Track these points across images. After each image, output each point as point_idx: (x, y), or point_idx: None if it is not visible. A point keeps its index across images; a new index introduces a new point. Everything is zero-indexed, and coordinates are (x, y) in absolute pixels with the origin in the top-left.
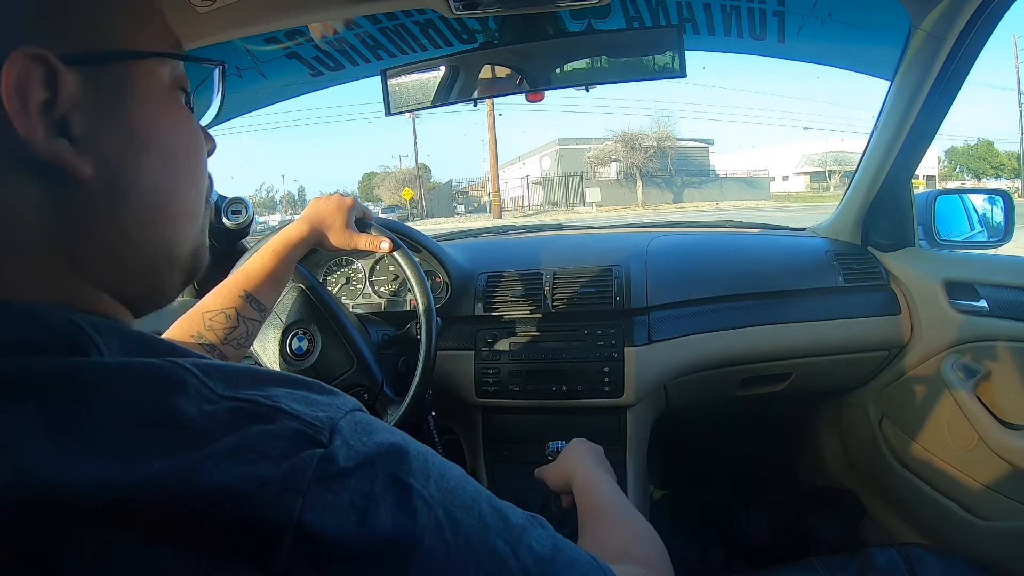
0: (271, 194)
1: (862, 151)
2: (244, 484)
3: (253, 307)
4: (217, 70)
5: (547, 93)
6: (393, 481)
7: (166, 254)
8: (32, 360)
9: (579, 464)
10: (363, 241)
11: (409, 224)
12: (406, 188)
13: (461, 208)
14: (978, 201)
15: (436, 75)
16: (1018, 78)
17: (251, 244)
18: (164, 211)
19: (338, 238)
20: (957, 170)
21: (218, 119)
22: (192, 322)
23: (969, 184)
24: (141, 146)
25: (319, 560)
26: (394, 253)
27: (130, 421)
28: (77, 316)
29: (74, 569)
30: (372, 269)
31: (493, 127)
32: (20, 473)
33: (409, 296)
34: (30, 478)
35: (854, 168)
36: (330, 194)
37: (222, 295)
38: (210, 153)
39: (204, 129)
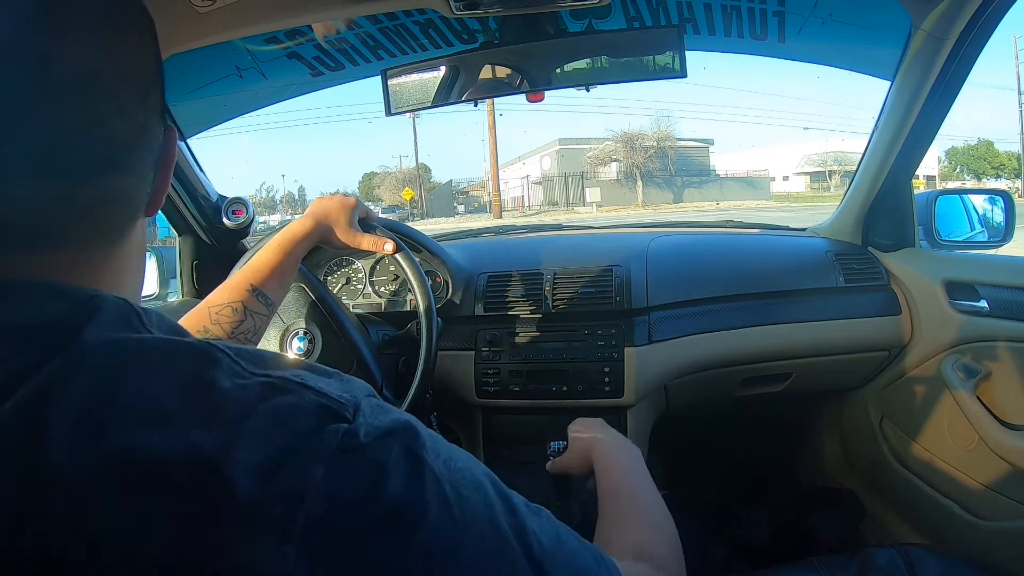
0: (271, 194)
1: (862, 151)
2: (276, 456)
3: (260, 301)
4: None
5: (547, 93)
6: (407, 453)
7: None
8: (95, 331)
9: (597, 442)
10: (366, 241)
11: (409, 224)
12: (406, 188)
13: (461, 208)
14: (978, 201)
15: (436, 75)
16: (1018, 78)
17: (251, 244)
18: None
19: (342, 236)
20: (957, 170)
21: (206, 125)
22: (199, 316)
23: (969, 184)
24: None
25: (332, 527)
26: (396, 255)
27: (171, 393)
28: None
29: (109, 537)
30: (372, 269)
31: (493, 127)
32: (73, 442)
33: (409, 296)
34: (81, 449)
35: (854, 168)
36: (331, 194)
37: (228, 289)
38: None
39: None
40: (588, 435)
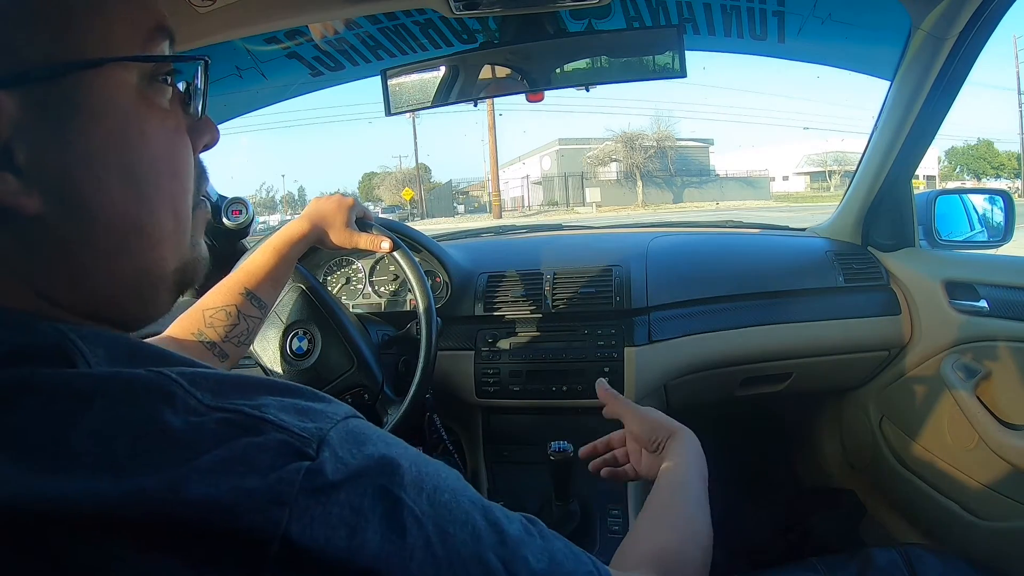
0: (271, 194)
1: (862, 151)
2: (230, 496)
3: (254, 304)
4: (200, 65)
5: (547, 93)
6: (383, 495)
7: (147, 280)
8: (17, 370)
9: (681, 431)
10: (363, 240)
11: (409, 224)
12: (406, 188)
13: (461, 208)
14: (978, 201)
15: (436, 75)
16: (1018, 78)
17: (251, 244)
18: (138, 236)
19: (339, 236)
20: (957, 170)
21: (216, 119)
22: (193, 319)
23: (969, 184)
24: (99, 169)
25: (305, 572)
26: (394, 253)
27: (116, 435)
28: (62, 324)
29: None
30: (372, 269)
31: (493, 127)
32: (4, 487)
33: (409, 296)
34: (15, 492)
35: (854, 168)
36: (330, 194)
37: (222, 292)
38: (208, 147)
39: (199, 121)
40: (673, 424)
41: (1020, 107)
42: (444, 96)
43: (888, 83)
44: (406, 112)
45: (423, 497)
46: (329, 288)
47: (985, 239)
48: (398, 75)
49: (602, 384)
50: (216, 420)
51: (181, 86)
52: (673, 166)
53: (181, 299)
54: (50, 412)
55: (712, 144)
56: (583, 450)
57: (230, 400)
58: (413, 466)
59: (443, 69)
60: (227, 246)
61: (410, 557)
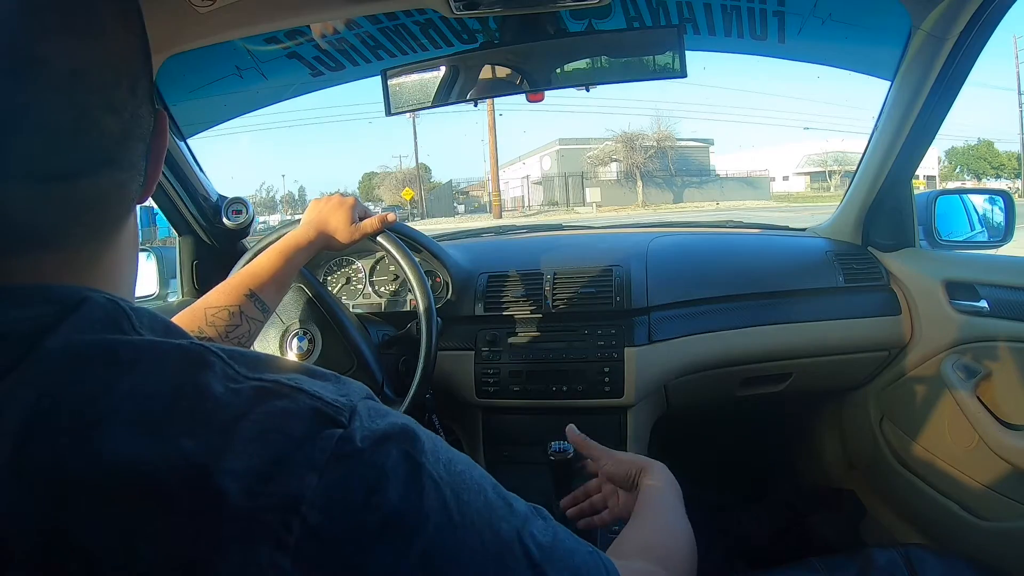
0: (271, 194)
1: (862, 151)
2: (265, 462)
3: (257, 306)
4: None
5: (547, 93)
6: (405, 458)
7: None
8: (73, 335)
9: (651, 464)
10: (367, 224)
11: (409, 224)
12: (406, 188)
13: (461, 208)
14: (978, 201)
15: (436, 75)
16: (1018, 78)
17: (251, 244)
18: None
19: (344, 236)
20: (957, 170)
21: (206, 126)
22: (193, 317)
23: (969, 184)
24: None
25: (329, 535)
26: (391, 249)
27: (160, 398)
28: (112, 295)
29: (99, 547)
30: (372, 269)
31: (493, 127)
32: (54, 450)
33: (409, 296)
34: (65, 456)
35: (854, 168)
36: (330, 194)
37: (226, 292)
38: None
39: None
40: (645, 460)
41: (1020, 107)
42: (444, 96)
43: (888, 83)
44: (406, 112)
45: (440, 464)
46: (329, 288)
47: (985, 239)
48: (398, 75)
49: (572, 429)
50: (253, 388)
51: None
52: (673, 166)
53: (180, 299)
54: (96, 375)
55: (712, 144)
56: (564, 501)
57: (265, 373)
58: (429, 437)
59: (443, 69)
60: (227, 246)
61: (427, 517)
